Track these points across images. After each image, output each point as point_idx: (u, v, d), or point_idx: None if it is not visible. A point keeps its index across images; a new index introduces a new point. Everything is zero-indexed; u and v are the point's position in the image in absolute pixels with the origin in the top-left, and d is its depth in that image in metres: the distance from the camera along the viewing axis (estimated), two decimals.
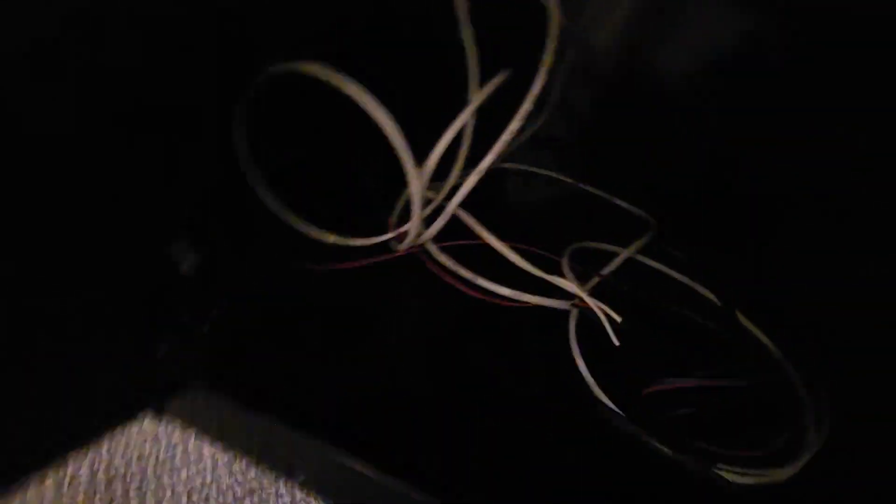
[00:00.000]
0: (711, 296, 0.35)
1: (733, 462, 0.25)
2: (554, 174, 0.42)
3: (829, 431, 0.26)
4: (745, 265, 0.38)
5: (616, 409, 0.26)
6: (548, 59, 0.24)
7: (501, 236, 0.31)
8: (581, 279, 0.31)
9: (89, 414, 0.18)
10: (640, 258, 0.36)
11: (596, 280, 0.32)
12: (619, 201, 0.41)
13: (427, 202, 0.30)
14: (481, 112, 0.26)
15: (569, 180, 0.42)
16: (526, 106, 0.25)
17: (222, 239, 0.23)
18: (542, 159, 0.43)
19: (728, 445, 0.25)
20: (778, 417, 0.27)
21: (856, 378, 0.29)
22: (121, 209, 0.18)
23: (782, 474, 0.25)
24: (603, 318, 0.28)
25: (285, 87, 0.23)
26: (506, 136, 0.25)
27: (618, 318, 0.28)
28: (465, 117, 0.26)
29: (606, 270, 0.33)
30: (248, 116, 0.24)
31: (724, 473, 0.24)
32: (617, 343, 0.27)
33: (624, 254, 0.35)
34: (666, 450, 0.24)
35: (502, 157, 0.41)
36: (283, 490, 0.29)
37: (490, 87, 0.26)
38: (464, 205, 0.30)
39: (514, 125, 0.25)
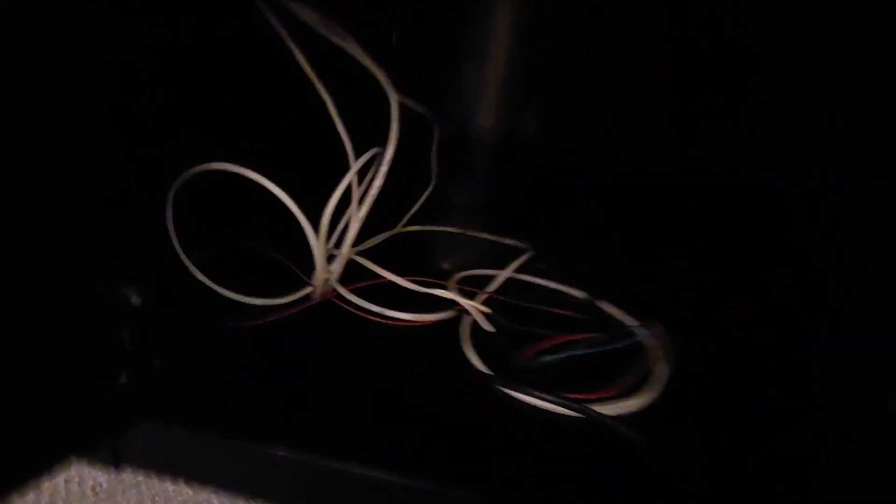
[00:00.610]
0: (578, 293, 0.43)
1: (603, 401, 0.32)
2: (446, 228, 0.52)
3: (672, 368, 0.34)
4: (604, 266, 0.47)
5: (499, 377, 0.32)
6: (392, 136, 0.34)
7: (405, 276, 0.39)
8: (468, 298, 0.39)
9: (46, 443, 0.22)
10: (518, 276, 0.45)
11: (483, 297, 0.40)
12: (497, 238, 0.51)
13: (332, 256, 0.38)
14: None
15: (458, 230, 0.52)
16: (383, 169, 0.34)
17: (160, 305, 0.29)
18: (437, 217, 0.52)
19: (597, 389, 0.32)
20: (632, 363, 0.35)
21: (690, 327, 0.38)
22: (77, 260, 0.23)
23: (640, 402, 0.32)
24: (478, 314, 0.36)
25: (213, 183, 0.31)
26: (373, 192, 0.34)
27: (489, 310, 0.35)
28: (344, 184, 0.35)
29: (490, 288, 0.42)
30: (182, 210, 0.32)
31: (597, 408, 0.31)
32: (491, 330, 0.34)
33: (503, 274, 0.43)
34: (543, 398, 0.31)
35: (404, 222, 0.50)
36: None
37: (362, 161, 0.36)
38: (377, 260, 0.38)
39: (378, 182, 0.34)
